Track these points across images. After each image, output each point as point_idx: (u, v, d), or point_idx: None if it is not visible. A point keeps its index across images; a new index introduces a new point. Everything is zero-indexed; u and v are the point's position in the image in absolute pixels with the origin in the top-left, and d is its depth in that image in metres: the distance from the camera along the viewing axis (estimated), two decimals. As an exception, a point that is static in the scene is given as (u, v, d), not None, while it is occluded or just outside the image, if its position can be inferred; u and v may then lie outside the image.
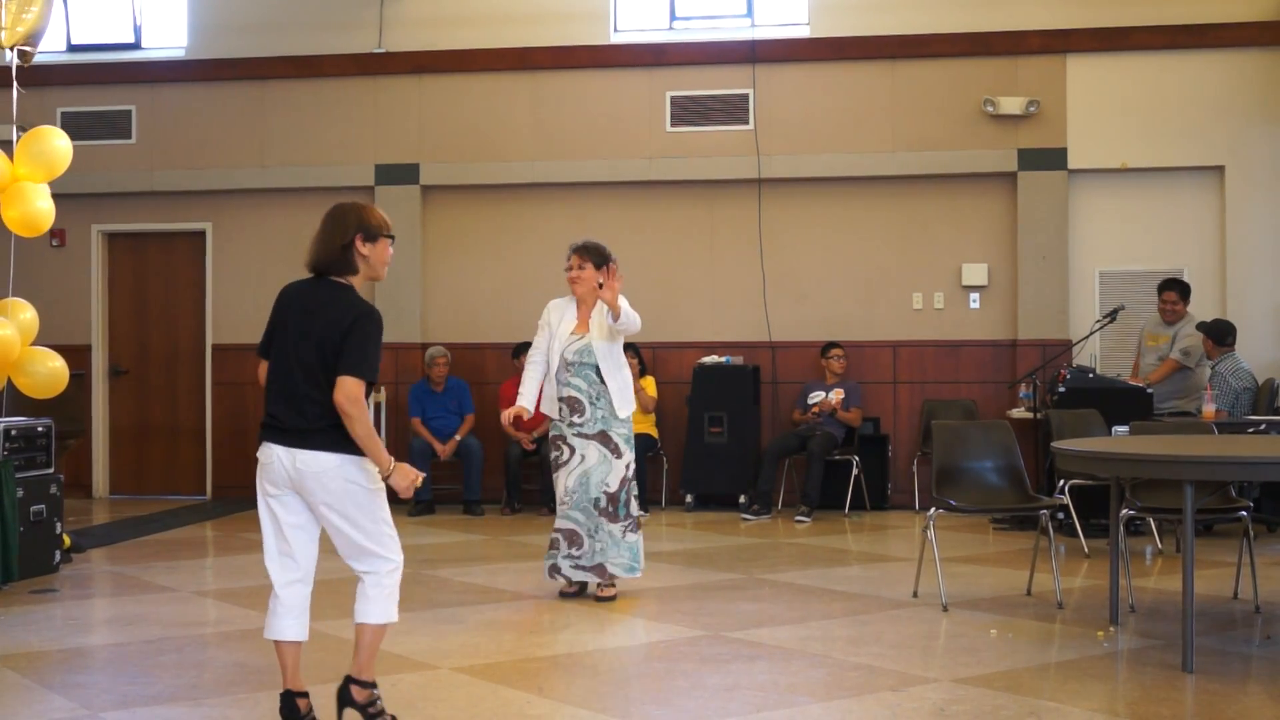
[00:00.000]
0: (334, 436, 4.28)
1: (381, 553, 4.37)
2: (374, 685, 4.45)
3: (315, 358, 4.27)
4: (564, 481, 6.69)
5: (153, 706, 4.80)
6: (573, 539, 6.70)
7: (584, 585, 6.84)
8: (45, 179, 7.49)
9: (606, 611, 6.52)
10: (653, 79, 11.06)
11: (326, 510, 4.31)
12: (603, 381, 6.64)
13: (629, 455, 6.72)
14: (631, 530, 6.72)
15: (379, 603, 4.37)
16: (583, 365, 6.64)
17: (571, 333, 6.70)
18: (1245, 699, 4.86)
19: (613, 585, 6.78)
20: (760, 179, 10.87)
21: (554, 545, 6.76)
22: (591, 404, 6.63)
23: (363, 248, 4.38)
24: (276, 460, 4.32)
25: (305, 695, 4.43)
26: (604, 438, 6.65)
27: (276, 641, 4.39)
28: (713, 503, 10.55)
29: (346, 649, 5.64)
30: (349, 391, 4.19)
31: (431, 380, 10.66)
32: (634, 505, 6.77)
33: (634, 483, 6.77)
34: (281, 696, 4.40)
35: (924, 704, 4.76)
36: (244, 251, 11.53)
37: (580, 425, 6.65)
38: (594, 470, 6.64)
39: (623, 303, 6.49)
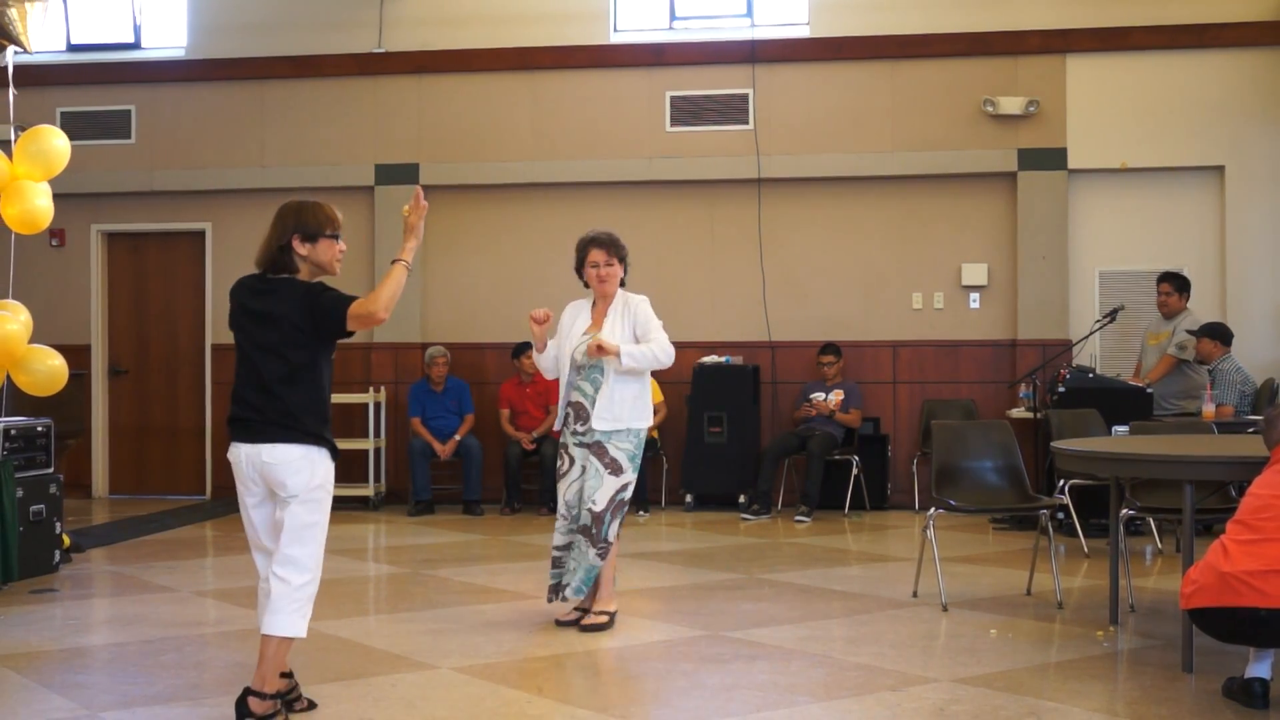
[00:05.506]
0: (296, 429, 4.32)
1: (304, 560, 4.34)
2: (276, 696, 4.37)
3: (275, 338, 4.35)
4: (563, 494, 6.08)
5: (153, 706, 4.80)
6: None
7: (585, 613, 6.12)
8: (44, 178, 7.47)
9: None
10: (652, 79, 11.05)
11: (282, 503, 4.35)
12: None
13: (628, 475, 5.99)
14: (600, 556, 5.99)
15: (287, 615, 4.30)
16: (591, 368, 6.02)
17: (585, 332, 6.10)
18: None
19: (603, 614, 6.05)
20: (760, 179, 10.86)
21: (556, 564, 6.13)
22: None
23: (300, 248, 4.44)
24: (244, 458, 4.38)
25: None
26: (599, 450, 5.99)
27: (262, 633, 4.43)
28: (713, 503, 10.55)
29: (347, 648, 5.65)
30: (354, 313, 4.26)
31: (431, 380, 10.66)
32: (615, 530, 6.00)
33: (625, 507, 6.03)
34: (245, 689, 4.41)
35: (924, 704, 4.76)
36: (244, 251, 11.27)
37: (582, 434, 6.02)
38: (587, 484, 6.00)
39: (635, 348, 5.96)
